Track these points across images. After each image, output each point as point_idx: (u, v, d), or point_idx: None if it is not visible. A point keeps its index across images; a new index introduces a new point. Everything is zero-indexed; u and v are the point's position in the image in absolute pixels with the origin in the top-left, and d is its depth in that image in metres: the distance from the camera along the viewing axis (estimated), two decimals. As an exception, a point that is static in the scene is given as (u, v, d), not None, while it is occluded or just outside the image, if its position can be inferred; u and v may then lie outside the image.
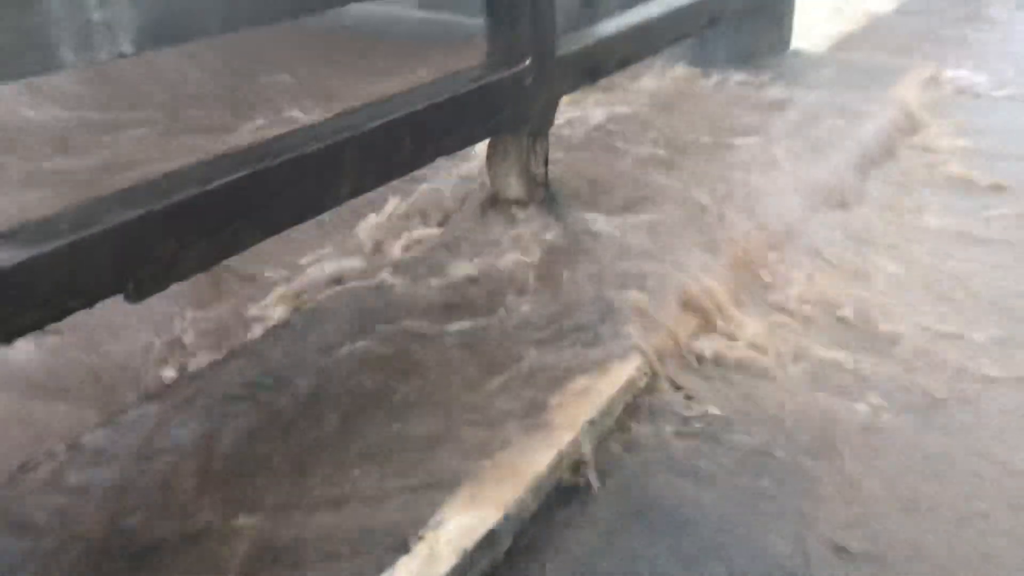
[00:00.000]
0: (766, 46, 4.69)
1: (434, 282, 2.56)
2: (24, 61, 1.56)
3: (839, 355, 2.37)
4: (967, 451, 2.05)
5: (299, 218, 2.19)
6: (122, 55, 1.70)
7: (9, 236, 1.69)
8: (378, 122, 2.32)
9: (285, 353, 2.27)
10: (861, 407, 2.18)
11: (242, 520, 1.71)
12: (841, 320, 2.54)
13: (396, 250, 2.83)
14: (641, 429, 2.07)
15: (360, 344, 2.28)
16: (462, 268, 2.63)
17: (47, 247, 1.65)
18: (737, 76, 4.30)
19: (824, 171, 3.35)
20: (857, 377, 2.29)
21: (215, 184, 1.93)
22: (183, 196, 1.88)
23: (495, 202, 3.02)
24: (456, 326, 2.35)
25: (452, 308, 2.43)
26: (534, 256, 2.66)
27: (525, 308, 2.41)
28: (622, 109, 3.88)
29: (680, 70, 4.38)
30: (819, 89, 4.14)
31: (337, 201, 2.27)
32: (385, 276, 2.60)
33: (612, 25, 3.32)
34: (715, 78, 4.29)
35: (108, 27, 1.66)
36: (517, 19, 2.77)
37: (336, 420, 2.01)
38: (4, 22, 1.51)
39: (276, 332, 2.39)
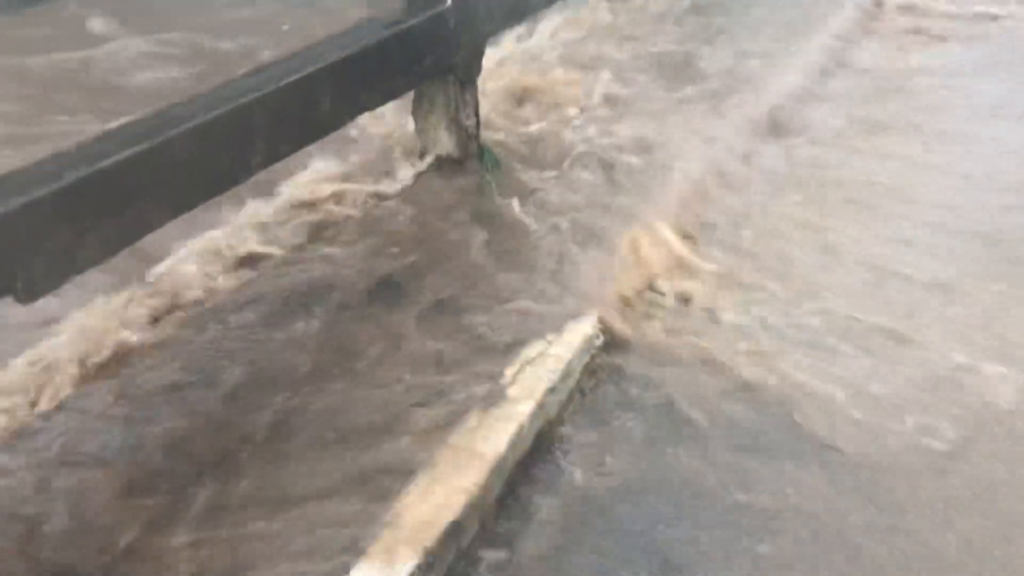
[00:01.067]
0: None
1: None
2: None
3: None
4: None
5: (209, 192, 1.97)
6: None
7: None
8: (290, 79, 2.10)
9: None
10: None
11: (174, 540, 1.53)
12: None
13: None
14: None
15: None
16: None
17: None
18: None
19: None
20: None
21: (110, 161, 1.71)
22: (74, 177, 1.65)
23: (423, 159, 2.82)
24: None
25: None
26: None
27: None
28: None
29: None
30: None
31: (250, 171, 2.05)
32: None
33: (535, -40, 3.12)
34: None
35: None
36: (435, -42, 2.55)
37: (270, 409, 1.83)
38: None
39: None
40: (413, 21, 2.48)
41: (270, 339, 2.05)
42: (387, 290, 2.22)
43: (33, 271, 1.61)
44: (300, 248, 2.41)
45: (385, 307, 2.16)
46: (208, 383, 1.92)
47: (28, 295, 1.61)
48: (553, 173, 2.77)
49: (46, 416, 1.85)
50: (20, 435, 1.81)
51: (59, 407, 1.87)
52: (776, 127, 3.08)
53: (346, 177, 2.71)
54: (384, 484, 1.63)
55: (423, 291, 2.21)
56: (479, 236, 2.45)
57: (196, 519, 1.57)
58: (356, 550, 1.49)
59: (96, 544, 1.54)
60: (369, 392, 1.88)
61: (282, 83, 2.08)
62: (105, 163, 1.70)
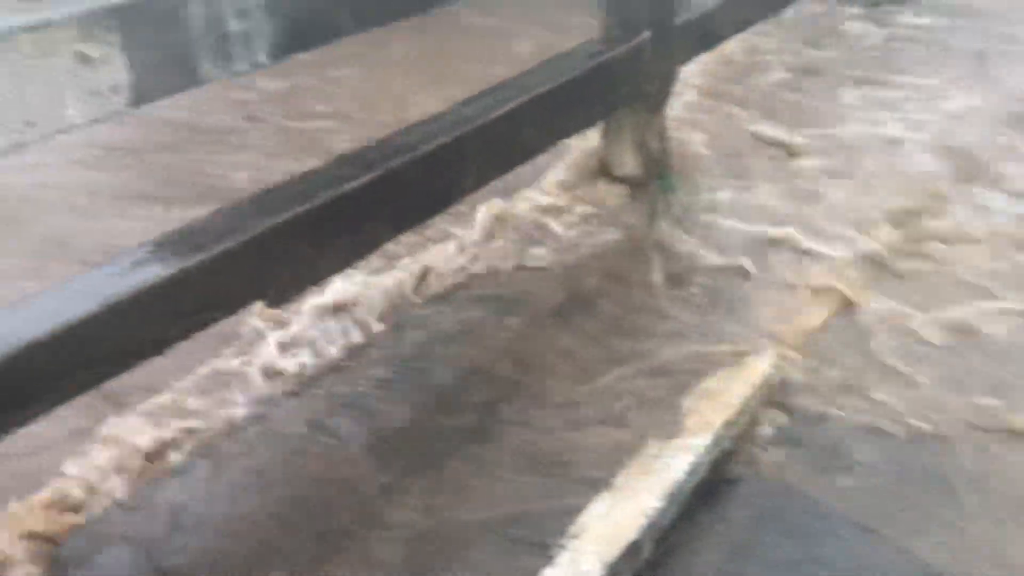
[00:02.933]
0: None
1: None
2: (168, 79, 1.57)
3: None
4: None
5: (428, 213, 2.19)
6: (259, 66, 1.70)
7: (156, 248, 1.73)
8: (500, 111, 2.28)
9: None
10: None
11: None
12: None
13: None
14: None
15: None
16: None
17: (193, 259, 1.69)
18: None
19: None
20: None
21: (347, 187, 1.94)
22: (318, 201, 1.89)
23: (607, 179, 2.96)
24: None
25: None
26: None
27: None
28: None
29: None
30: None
31: (462, 193, 2.26)
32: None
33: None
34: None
35: (246, 39, 1.66)
36: (637, -11, 2.67)
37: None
38: (150, 42, 1.52)
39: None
40: (612, 53, 2.62)
41: (467, 347, 2.26)
42: (570, 310, 2.38)
43: (282, 280, 1.86)
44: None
45: (566, 326, 2.32)
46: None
47: (277, 301, 1.87)
48: (735, 194, 2.86)
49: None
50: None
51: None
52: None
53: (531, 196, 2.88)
54: (567, 499, 1.79)
55: (600, 314, 2.35)
56: (657, 261, 2.57)
57: (410, 509, 1.79)
58: (543, 557, 1.66)
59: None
60: (553, 410, 2.04)
61: (492, 115, 2.26)
62: (346, 187, 1.94)
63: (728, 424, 1.93)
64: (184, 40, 1.56)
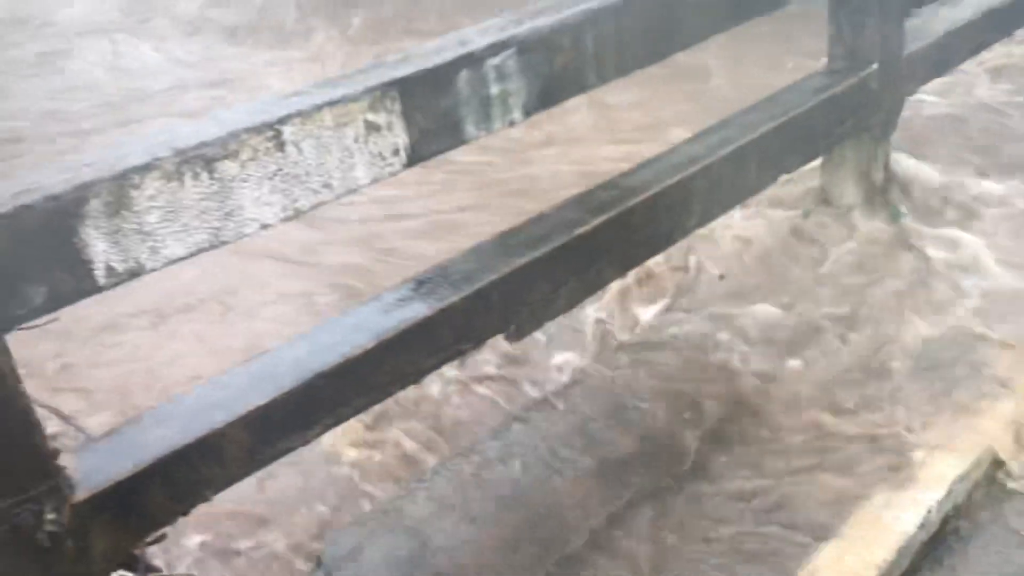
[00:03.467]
0: None
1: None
2: (438, 140, 1.73)
3: None
4: None
5: (653, 252, 2.28)
6: (512, 123, 1.84)
7: (416, 287, 1.91)
8: (726, 149, 2.33)
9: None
10: None
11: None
12: None
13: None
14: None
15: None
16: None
17: (450, 299, 1.85)
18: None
19: None
20: None
21: (579, 231, 2.05)
22: (557, 243, 2.01)
23: (827, 208, 2.93)
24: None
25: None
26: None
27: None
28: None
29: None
30: None
31: (685, 232, 2.32)
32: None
33: (964, 11, 3.05)
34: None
35: (503, 99, 1.80)
36: (863, 20, 2.63)
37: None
38: (425, 108, 1.69)
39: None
40: (839, 87, 2.59)
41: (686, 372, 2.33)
42: (804, 340, 2.40)
43: (522, 317, 2.00)
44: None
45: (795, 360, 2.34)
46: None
47: (516, 336, 2.01)
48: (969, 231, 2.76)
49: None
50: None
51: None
52: None
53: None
54: (795, 541, 1.83)
55: (836, 350, 2.35)
56: (890, 299, 2.52)
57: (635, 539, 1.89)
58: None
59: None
60: (772, 456, 2.08)
61: (718, 155, 2.31)
62: (580, 231, 2.05)
63: (962, 477, 1.90)
64: (454, 104, 1.72)
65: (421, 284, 1.91)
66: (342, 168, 1.60)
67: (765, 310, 2.53)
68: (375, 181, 1.67)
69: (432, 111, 1.70)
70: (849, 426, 2.11)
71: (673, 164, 2.29)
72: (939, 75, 3.02)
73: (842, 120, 2.64)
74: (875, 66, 2.65)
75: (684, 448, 2.13)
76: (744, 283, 2.68)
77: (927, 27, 2.94)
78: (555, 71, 1.88)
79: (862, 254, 2.70)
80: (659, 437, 2.17)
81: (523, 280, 1.97)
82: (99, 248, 1.34)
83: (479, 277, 1.91)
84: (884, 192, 2.88)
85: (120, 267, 1.37)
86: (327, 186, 1.59)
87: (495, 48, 1.76)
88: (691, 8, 2.10)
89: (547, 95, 1.89)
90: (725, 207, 2.41)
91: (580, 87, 1.94)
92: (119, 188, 1.34)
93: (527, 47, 1.81)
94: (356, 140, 1.61)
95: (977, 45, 3.07)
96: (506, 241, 2.05)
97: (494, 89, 1.78)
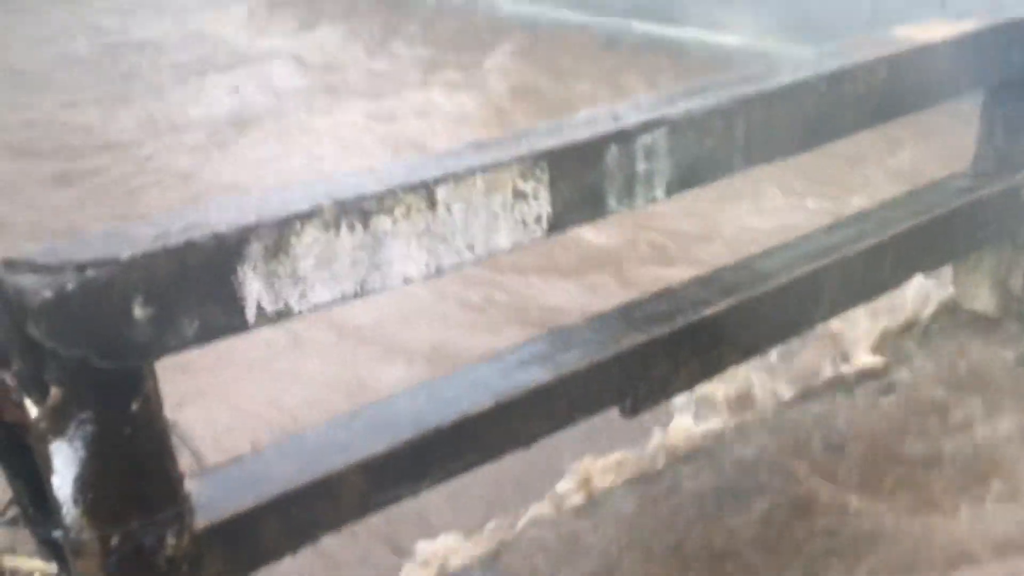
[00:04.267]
0: None
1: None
2: (580, 211, 1.75)
3: None
4: None
5: (777, 340, 2.23)
6: (654, 199, 1.84)
7: (534, 350, 1.91)
8: (863, 244, 2.27)
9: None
10: None
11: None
12: None
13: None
14: None
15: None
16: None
17: (570, 368, 1.85)
18: None
19: None
20: None
21: (707, 312, 2.03)
22: (682, 322, 1.99)
23: (956, 313, 2.82)
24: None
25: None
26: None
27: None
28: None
29: None
30: None
31: (812, 324, 2.28)
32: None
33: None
34: None
35: (648, 177, 1.80)
36: (1019, 125, 2.55)
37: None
38: (572, 179, 1.70)
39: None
40: (985, 191, 2.51)
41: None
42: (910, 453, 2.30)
43: (639, 393, 1.98)
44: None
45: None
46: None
47: (632, 412, 1.99)
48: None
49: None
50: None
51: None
52: None
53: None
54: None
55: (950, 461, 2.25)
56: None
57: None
58: None
59: None
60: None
61: (852, 249, 2.26)
62: (706, 311, 2.03)
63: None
64: (599, 178, 1.73)
65: (542, 348, 1.92)
66: (486, 231, 1.63)
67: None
68: (516, 247, 1.69)
69: (578, 183, 1.72)
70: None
71: (806, 253, 2.25)
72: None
73: (985, 224, 2.55)
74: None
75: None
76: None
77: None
78: (703, 153, 1.87)
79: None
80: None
81: (644, 356, 1.96)
82: (253, 288, 1.39)
83: (601, 348, 1.91)
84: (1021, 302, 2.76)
85: (270, 308, 1.42)
86: (470, 247, 1.61)
87: (647, 126, 1.77)
88: (843, 103, 2.07)
89: (691, 176, 1.89)
90: (855, 301, 2.35)
91: (725, 170, 1.93)
92: (280, 233, 1.39)
93: (678, 128, 1.81)
94: (503, 206, 1.63)
95: None
96: (630, 314, 2.04)
97: (641, 167, 1.79)
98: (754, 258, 2.24)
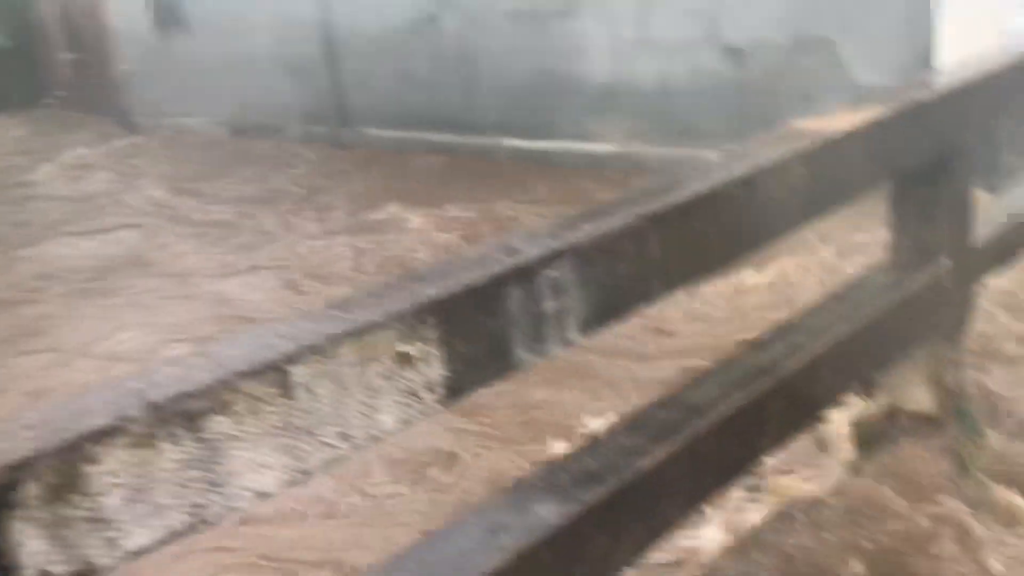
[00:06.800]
0: None
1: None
2: (483, 370, 1.40)
3: None
4: None
5: (722, 484, 1.91)
6: (568, 343, 1.52)
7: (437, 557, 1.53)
8: (798, 361, 2.00)
9: None
10: None
11: None
12: None
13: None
14: None
15: None
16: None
17: (488, 568, 1.46)
18: None
19: None
20: None
21: (644, 463, 1.69)
22: (616, 482, 1.65)
23: (892, 416, 2.59)
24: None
25: None
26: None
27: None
28: None
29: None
30: None
31: (758, 459, 1.97)
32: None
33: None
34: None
35: (559, 317, 1.48)
36: (933, 211, 2.37)
37: None
38: (468, 333, 1.36)
39: None
40: (912, 284, 2.31)
41: None
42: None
43: (575, 578, 1.60)
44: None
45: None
46: None
47: (569, 603, 1.61)
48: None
49: None
50: None
51: None
52: None
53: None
54: None
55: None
56: (970, 543, 2.14)
57: None
58: None
59: None
60: None
61: (792, 366, 1.99)
62: (642, 464, 1.69)
63: None
64: (502, 327, 1.40)
65: (457, 546, 1.53)
66: (364, 413, 1.26)
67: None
68: (405, 426, 1.32)
69: (476, 336, 1.38)
70: None
71: (739, 377, 1.96)
72: (1005, 264, 2.76)
73: (917, 321, 2.34)
74: (947, 262, 2.38)
75: None
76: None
77: (990, 216, 2.70)
78: (616, 282, 1.57)
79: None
80: None
81: (577, 533, 1.59)
82: (33, 547, 0.97)
83: (526, 534, 1.53)
84: (958, 398, 2.55)
85: (60, 570, 0.99)
86: (345, 437, 1.24)
87: (550, 258, 1.46)
88: (762, 208, 1.83)
89: (606, 309, 1.58)
90: (798, 427, 2.06)
91: (643, 298, 1.64)
92: (67, 462, 0.99)
93: (585, 256, 1.51)
94: (383, 377, 1.27)
95: (1043, 233, 2.83)
96: (555, 478, 1.68)
97: (549, 306, 1.47)
98: (681, 390, 1.93)
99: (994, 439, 2.45)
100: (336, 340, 1.22)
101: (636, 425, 1.82)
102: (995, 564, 2.05)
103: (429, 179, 6.55)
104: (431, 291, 1.34)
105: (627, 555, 1.69)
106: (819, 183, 1.93)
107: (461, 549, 1.50)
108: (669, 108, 6.21)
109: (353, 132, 7.89)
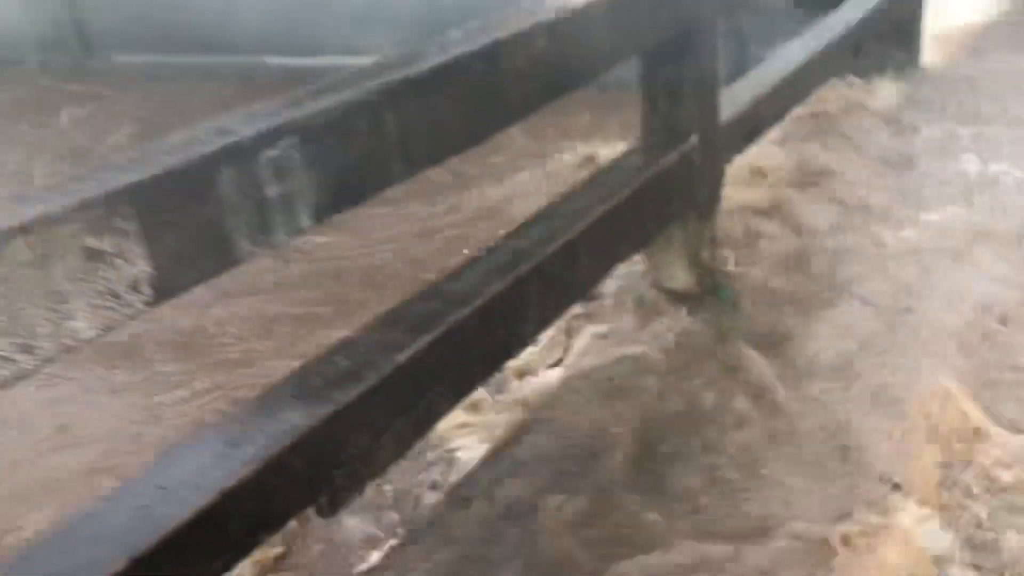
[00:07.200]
0: (897, 66, 4.27)
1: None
2: (198, 264, 1.25)
3: None
4: None
5: (488, 371, 1.87)
6: (301, 231, 1.39)
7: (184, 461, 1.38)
8: (555, 245, 1.98)
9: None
10: None
11: None
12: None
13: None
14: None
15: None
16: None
17: (231, 481, 1.34)
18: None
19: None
20: None
21: (403, 357, 1.61)
22: (372, 379, 1.56)
23: (658, 295, 2.67)
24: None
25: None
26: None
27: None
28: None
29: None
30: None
31: (523, 344, 1.95)
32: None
33: (767, 76, 2.95)
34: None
35: (286, 203, 1.35)
36: (680, 89, 2.41)
37: None
38: (176, 223, 1.20)
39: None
40: (664, 163, 2.35)
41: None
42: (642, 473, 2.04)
43: (336, 484, 1.52)
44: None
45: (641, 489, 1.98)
46: None
47: (331, 510, 1.52)
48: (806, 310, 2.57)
49: None
50: None
51: None
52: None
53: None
54: None
55: (684, 475, 2.01)
56: (730, 399, 2.24)
57: None
58: None
59: None
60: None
61: (550, 249, 1.96)
62: (400, 358, 1.61)
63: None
64: (215, 215, 1.25)
65: (201, 459, 1.39)
66: (51, 320, 1.08)
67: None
68: (107, 330, 1.16)
69: (185, 227, 1.23)
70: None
71: (499, 265, 1.91)
72: (751, 144, 2.88)
73: (671, 199, 2.39)
74: (695, 139, 2.43)
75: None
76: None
77: (734, 95, 2.80)
78: (351, 163, 1.46)
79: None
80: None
81: (332, 434, 1.50)
82: None
83: (272, 441, 1.42)
84: (714, 274, 2.66)
85: None
86: (26, 350, 1.06)
87: (270, 136, 1.32)
88: (505, 83, 1.75)
89: (343, 193, 1.46)
90: (560, 309, 2.06)
91: (384, 180, 1.53)
92: None
93: (312, 134, 1.38)
94: (71, 278, 1.10)
95: (782, 110, 2.98)
96: (302, 384, 1.57)
97: (272, 191, 1.33)
98: (441, 282, 1.87)
99: (747, 310, 2.58)
100: (8, 235, 1.03)
101: (394, 320, 1.74)
102: (741, 402, 2.16)
103: (182, 106, 6.07)
104: (128, 177, 1.17)
105: (391, 453, 1.62)
106: (564, 57, 1.89)
107: (199, 465, 1.37)
108: (435, 19, 6.06)
109: (98, 59, 7.16)
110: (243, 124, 1.34)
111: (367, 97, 1.47)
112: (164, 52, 6.98)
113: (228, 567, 1.36)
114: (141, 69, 6.99)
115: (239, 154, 1.28)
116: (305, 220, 1.39)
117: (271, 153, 1.31)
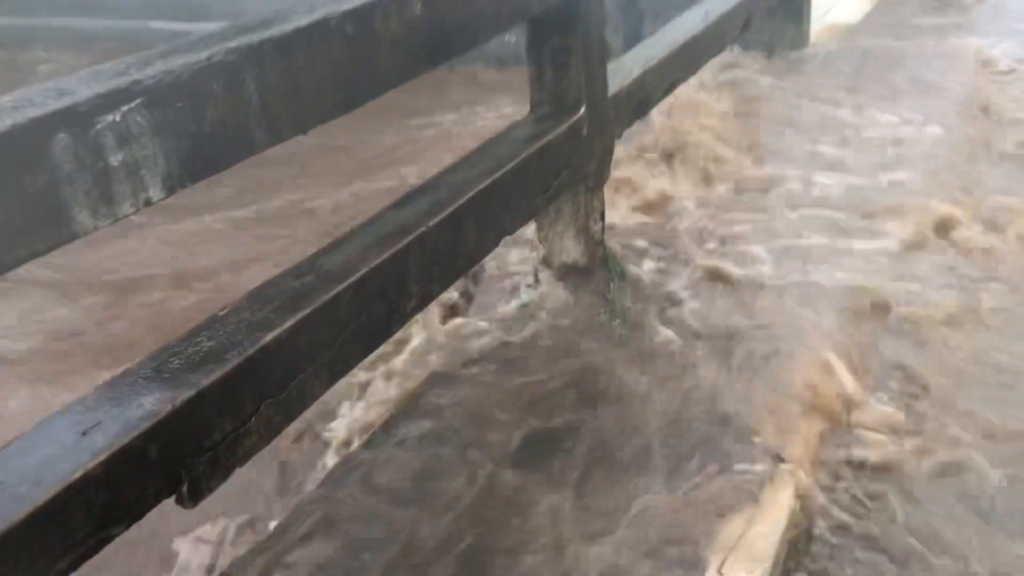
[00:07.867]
0: (787, 42, 4.35)
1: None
2: (28, 239, 1.14)
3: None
4: None
5: (367, 350, 1.80)
6: (149, 202, 1.29)
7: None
8: (439, 216, 1.92)
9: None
10: None
11: None
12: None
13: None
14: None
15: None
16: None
17: (77, 474, 1.24)
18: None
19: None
20: None
21: (270, 337, 1.53)
22: (237, 359, 1.47)
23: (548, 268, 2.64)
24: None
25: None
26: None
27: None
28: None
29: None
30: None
31: (404, 319, 1.88)
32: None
33: (656, 48, 2.94)
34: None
35: (132, 172, 1.24)
36: (567, 59, 2.37)
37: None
38: (4, 189, 1.09)
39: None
40: (552, 134, 2.30)
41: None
42: (534, 444, 2.01)
43: (198, 471, 1.43)
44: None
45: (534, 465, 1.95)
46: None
47: (193, 498, 1.43)
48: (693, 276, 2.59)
49: None
50: None
51: None
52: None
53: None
54: None
55: (573, 448, 1.99)
56: (623, 366, 2.24)
57: None
58: None
59: None
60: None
61: (432, 221, 1.90)
62: (267, 337, 1.53)
63: (762, 582, 1.61)
64: (49, 185, 1.14)
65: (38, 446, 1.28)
66: None
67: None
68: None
69: (14, 197, 1.11)
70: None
71: (379, 237, 1.84)
72: (641, 117, 2.86)
73: (558, 170, 2.35)
74: (583, 109, 2.40)
75: None
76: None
77: (623, 67, 2.77)
78: (206, 128, 1.36)
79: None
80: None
81: (193, 419, 1.41)
82: None
83: (125, 429, 1.32)
84: (604, 246, 2.64)
85: None
86: None
87: (112, 100, 1.21)
88: (378, 47, 1.67)
89: (199, 162, 1.36)
90: (444, 283, 2.00)
91: (246, 148, 1.44)
92: None
93: (161, 97, 1.27)
94: None
95: (673, 83, 2.97)
96: (164, 365, 1.47)
97: (115, 159, 1.22)
98: (319, 254, 1.78)
99: (635, 281, 2.57)
100: None
101: (263, 297, 1.65)
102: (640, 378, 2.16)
103: (53, 74, 5.73)
104: (-60, 143, 1.05)
105: (258, 439, 1.53)
106: (443, 22, 1.82)
107: (45, 456, 1.26)
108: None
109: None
110: (83, 85, 1.23)
111: (223, 58, 1.37)
112: (39, 14, 6.59)
113: (75, 566, 1.26)
114: (11, 33, 6.58)
115: (76, 118, 1.17)
116: (155, 191, 1.29)
117: (112, 118, 1.20)
